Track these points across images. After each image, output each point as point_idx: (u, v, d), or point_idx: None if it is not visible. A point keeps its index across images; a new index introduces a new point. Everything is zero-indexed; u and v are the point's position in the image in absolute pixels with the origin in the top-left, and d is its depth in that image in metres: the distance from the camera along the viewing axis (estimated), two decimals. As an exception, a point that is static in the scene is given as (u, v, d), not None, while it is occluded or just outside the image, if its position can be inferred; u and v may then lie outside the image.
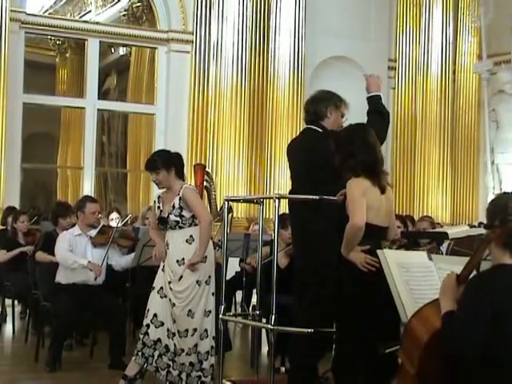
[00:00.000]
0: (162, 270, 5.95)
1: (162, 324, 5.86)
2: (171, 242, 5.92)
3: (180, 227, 5.87)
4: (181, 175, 6.04)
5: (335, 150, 4.70)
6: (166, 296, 5.86)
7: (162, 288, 5.89)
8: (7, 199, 11.44)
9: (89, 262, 6.94)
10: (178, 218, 5.85)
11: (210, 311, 5.91)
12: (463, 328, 3.15)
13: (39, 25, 12.56)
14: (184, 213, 5.84)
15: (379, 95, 5.63)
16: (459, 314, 3.21)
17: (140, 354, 5.83)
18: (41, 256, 7.64)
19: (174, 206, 5.87)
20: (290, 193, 5.54)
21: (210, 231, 5.95)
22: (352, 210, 4.41)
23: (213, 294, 5.96)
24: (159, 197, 6.09)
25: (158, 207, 6.02)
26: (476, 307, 3.16)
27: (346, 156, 4.59)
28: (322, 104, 5.45)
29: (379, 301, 4.26)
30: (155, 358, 5.82)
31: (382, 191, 4.58)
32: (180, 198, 5.86)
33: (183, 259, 5.82)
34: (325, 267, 4.88)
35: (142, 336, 5.87)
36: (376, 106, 5.57)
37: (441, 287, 3.45)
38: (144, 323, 5.90)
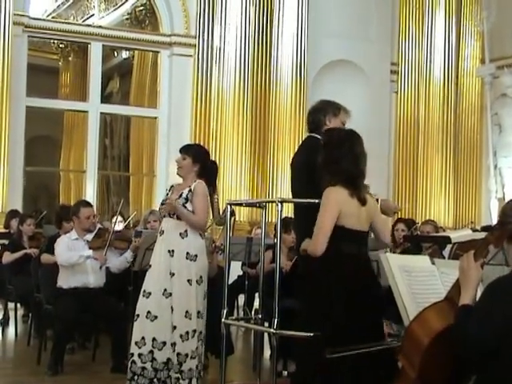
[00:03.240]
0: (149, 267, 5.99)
1: (164, 343, 5.86)
2: (166, 229, 5.96)
3: (178, 217, 5.89)
4: (206, 181, 6.07)
5: (322, 149, 4.70)
6: (171, 294, 5.84)
7: (165, 289, 5.88)
8: (10, 202, 11.45)
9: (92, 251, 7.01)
10: (181, 208, 5.89)
11: (199, 312, 5.87)
12: (477, 326, 3.13)
13: (42, 28, 12.59)
14: (187, 205, 5.89)
15: None
16: (475, 312, 3.19)
17: (146, 380, 5.84)
18: (46, 258, 7.66)
19: (181, 195, 5.93)
20: (293, 197, 5.59)
21: (198, 228, 5.96)
22: (317, 233, 4.46)
23: (205, 296, 5.97)
24: (172, 186, 6.17)
25: (167, 194, 6.09)
26: (492, 308, 3.14)
27: (331, 160, 4.59)
28: (320, 113, 5.56)
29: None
30: (172, 378, 5.82)
31: (363, 203, 4.55)
32: (190, 190, 5.92)
33: (173, 251, 5.85)
34: None
35: (150, 363, 5.84)
36: None
37: (460, 270, 3.40)
38: (144, 351, 5.87)
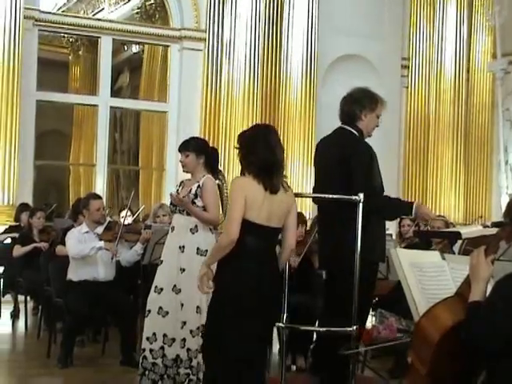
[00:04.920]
0: (160, 263, 5.98)
1: (174, 340, 5.86)
2: (176, 226, 5.94)
3: (188, 213, 5.88)
4: (211, 169, 6.07)
5: (239, 147, 4.66)
6: (180, 290, 5.84)
7: (175, 285, 5.88)
8: (20, 196, 11.48)
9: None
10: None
11: (198, 306, 5.84)
12: (486, 324, 3.12)
13: (53, 22, 12.60)
14: (197, 201, 5.86)
15: (406, 214, 5.53)
16: (485, 309, 3.18)
17: (156, 376, 5.85)
18: (61, 249, 7.68)
19: (190, 191, 5.91)
20: (314, 190, 5.48)
21: (212, 224, 5.96)
22: (229, 220, 4.38)
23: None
24: (182, 182, 6.15)
25: (177, 190, 6.07)
26: (501, 305, 3.13)
27: (247, 152, 4.58)
28: (356, 106, 5.30)
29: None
30: (180, 374, 5.82)
31: (272, 192, 4.46)
32: (199, 186, 5.89)
33: (184, 247, 5.84)
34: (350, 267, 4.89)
35: (160, 359, 5.85)
36: (395, 210, 5.47)
37: (470, 266, 3.39)
38: (155, 347, 5.88)
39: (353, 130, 5.26)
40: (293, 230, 4.64)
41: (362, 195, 4.87)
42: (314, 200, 5.75)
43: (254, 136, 4.63)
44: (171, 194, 6.02)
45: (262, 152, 4.48)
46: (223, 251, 4.37)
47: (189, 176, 6.16)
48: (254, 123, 12.46)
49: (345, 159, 5.10)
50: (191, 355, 5.77)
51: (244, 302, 4.37)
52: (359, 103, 5.30)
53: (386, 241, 5.50)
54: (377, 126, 5.37)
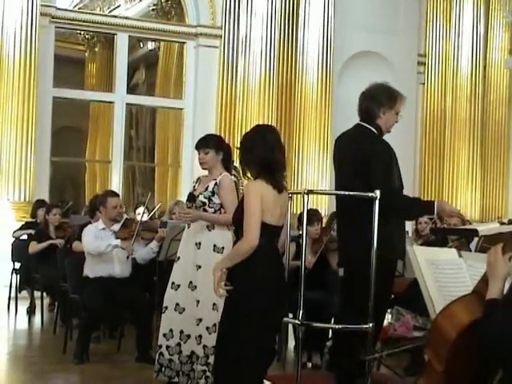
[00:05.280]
0: (177, 260, 5.97)
1: (189, 336, 5.86)
2: (193, 222, 5.94)
3: (205, 210, 5.85)
4: (226, 165, 6.06)
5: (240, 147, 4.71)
6: (196, 287, 5.83)
7: (191, 282, 5.87)
8: (37, 192, 11.53)
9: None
10: (205, 200, 5.84)
11: (215, 304, 5.83)
12: (504, 321, 3.10)
13: (69, 19, 12.65)
14: (214, 198, 5.84)
15: (428, 214, 5.47)
16: (503, 306, 3.16)
17: (172, 372, 5.86)
18: (78, 246, 7.70)
19: (207, 188, 5.88)
20: (336, 187, 5.43)
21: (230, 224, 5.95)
22: (249, 227, 4.35)
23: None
24: (199, 178, 6.13)
25: (194, 186, 6.06)
26: None
27: (245, 151, 4.60)
28: (374, 103, 5.20)
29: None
30: (196, 371, 5.82)
31: (280, 191, 4.50)
32: (216, 183, 5.87)
33: (200, 243, 5.83)
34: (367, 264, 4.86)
35: (177, 356, 5.85)
36: (417, 209, 5.44)
37: (487, 264, 3.37)
38: (172, 344, 5.88)
39: (371, 128, 5.21)
40: (285, 227, 4.79)
41: (378, 192, 4.85)
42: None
43: (253, 136, 4.66)
44: (177, 213, 6.01)
45: (260, 151, 4.49)
46: (243, 257, 4.36)
47: (205, 172, 6.13)
48: (264, 121, 12.51)
49: (364, 159, 5.05)
50: (208, 352, 5.76)
51: (262, 301, 4.38)
52: (377, 100, 5.21)
53: (405, 238, 5.47)
54: (396, 122, 5.33)
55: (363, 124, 5.27)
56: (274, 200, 4.45)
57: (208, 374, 5.74)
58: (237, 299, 4.40)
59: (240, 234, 4.52)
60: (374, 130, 5.21)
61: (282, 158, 4.61)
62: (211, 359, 5.72)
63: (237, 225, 4.65)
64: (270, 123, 12.55)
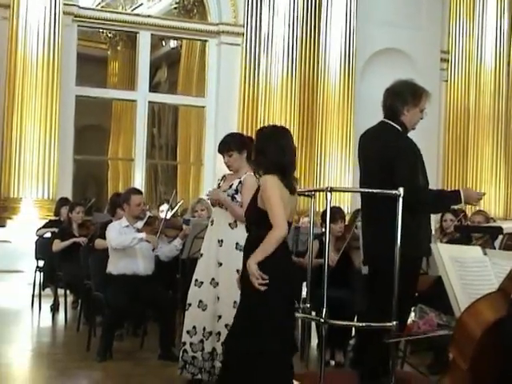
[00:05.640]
0: (200, 257, 5.98)
1: (210, 333, 5.86)
2: (216, 219, 5.93)
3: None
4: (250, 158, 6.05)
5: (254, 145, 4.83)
6: (218, 284, 5.83)
7: (213, 279, 5.88)
8: (60, 190, 11.60)
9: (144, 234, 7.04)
10: (229, 198, 5.86)
11: (235, 301, 5.84)
12: None
13: (91, 18, 12.71)
14: (237, 196, 5.84)
15: (455, 203, 5.44)
16: None
17: (196, 369, 5.86)
18: (100, 243, 7.72)
19: (231, 186, 5.89)
20: (361, 185, 5.41)
21: (241, 220, 5.93)
22: (277, 216, 4.45)
23: None
24: (224, 176, 6.13)
25: (219, 184, 6.06)
26: None
27: (257, 153, 4.72)
28: (398, 101, 5.15)
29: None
30: (215, 368, 5.82)
31: (292, 192, 4.63)
32: (240, 182, 5.87)
33: (222, 241, 5.83)
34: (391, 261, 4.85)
35: (200, 353, 5.85)
36: (444, 201, 5.41)
37: None
38: (195, 341, 5.89)
39: (396, 125, 5.18)
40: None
41: (402, 189, 4.82)
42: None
43: (265, 137, 4.74)
44: (210, 191, 6.03)
45: (272, 153, 4.59)
46: (275, 246, 4.44)
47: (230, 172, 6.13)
48: (286, 119, 12.51)
49: (388, 156, 5.02)
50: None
51: (288, 291, 4.56)
52: (401, 98, 5.16)
53: (431, 235, 5.44)
54: (421, 119, 5.29)
55: (387, 121, 5.23)
56: (287, 197, 4.56)
57: None
58: (261, 292, 4.44)
59: (251, 230, 4.69)
60: (398, 127, 5.17)
61: (294, 160, 4.72)
62: None
63: (249, 221, 4.77)
64: (292, 121, 12.59)
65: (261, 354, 4.43)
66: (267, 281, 4.41)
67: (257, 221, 4.64)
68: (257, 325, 4.47)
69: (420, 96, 5.21)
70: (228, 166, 6.03)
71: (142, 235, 6.99)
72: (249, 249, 4.62)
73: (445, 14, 14.64)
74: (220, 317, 5.79)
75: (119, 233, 7.09)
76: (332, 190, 5.09)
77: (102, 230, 7.88)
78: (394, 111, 5.18)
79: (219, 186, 6.04)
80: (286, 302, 4.52)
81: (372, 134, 5.34)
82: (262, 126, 12.09)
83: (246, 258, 4.63)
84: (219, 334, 5.79)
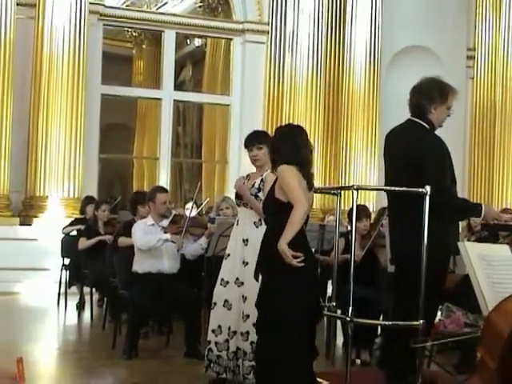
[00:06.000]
0: (227, 257, 5.97)
1: (235, 333, 5.86)
2: (241, 219, 5.93)
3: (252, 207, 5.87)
4: None
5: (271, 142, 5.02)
6: (243, 283, 5.83)
7: (237, 278, 5.87)
8: (85, 189, 11.65)
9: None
10: (252, 197, 5.86)
11: None
12: None
13: (117, 17, 12.76)
14: (260, 194, 5.82)
15: (475, 216, 5.42)
16: None
17: (220, 368, 5.87)
18: (123, 241, 7.74)
19: (253, 185, 5.87)
20: (386, 183, 5.37)
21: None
22: (297, 195, 4.59)
23: None
24: (248, 175, 6.12)
25: (244, 182, 6.06)
26: None
27: (273, 151, 4.91)
28: (425, 99, 5.11)
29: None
30: (243, 367, 5.81)
31: (310, 188, 4.80)
32: (262, 180, 5.85)
33: (247, 240, 5.82)
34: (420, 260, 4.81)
35: (225, 352, 5.86)
36: (466, 211, 5.40)
37: None
38: (220, 340, 5.90)
39: (423, 123, 5.14)
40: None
41: (428, 188, 4.79)
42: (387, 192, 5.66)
43: (280, 136, 4.89)
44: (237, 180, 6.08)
45: (287, 152, 4.73)
46: (300, 223, 4.59)
47: (254, 169, 6.11)
48: (311, 117, 12.49)
49: (416, 154, 4.99)
50: (255, 348, 5.76)
51: (314, 278, 4.87)
52: (428, 96, 5.11)
53: (459, 234, 5.41)
54: (448, 117, 5.25)
55: (415, 119, 5.20)
56: (304, 187, 4.69)
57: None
58: (283, 285, 4.62)
59: (269, 221, 4.89)
60: (425, 125, 5.14)
61: (309, 157, 4.87)
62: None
63: (266, 212, 4.94)
64: (317, 119, 12.57)
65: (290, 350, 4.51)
66: (302, 257, 4.53)
67: (274, 212, 4.77)
68: (286, 319, 4.56)
69: (447, 94, 5.17)
70: (254, 161, 5.98)
71: (167, 236, 7.00)
72: (269, 237, 4.74)
73: (471, 11, 14.54)
74: (248, 316, 5.78)
75: (144, 232, 7.11)
76: (359, 188, 5.07)
77: (125, 228, 7.91)
78: (421, 109, 5.14)
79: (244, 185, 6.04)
80: (312, 288, 4.73)
81: (399, 133, 5.31)
82: (287, 123, 12.16)
83: (263, 250, 4.78)
84: (247, 333, 5.78)
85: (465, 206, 5.33)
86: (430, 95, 5.12)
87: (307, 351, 4.68)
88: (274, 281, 4.71)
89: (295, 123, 5.20)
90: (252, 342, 5.75)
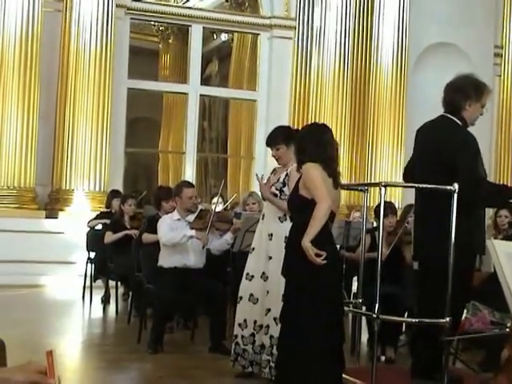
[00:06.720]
0: (252, 251, 5.99)
1: (261, 326, 5.87)
2: (266, 213, 5.96)
3: None
4: None
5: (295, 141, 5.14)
6: (268, 278, 5.84)
7: (263, 273, 5.88)
8: (111, 182, 11.68)
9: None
10: (277, 192, 5.86)
11: None
12: None
13: (144, 11, 12.76)
14: (285, 189, 5.83)
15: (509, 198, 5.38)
16: None
17: (248, 362, 5.89)
18: (147, 237, 7.76)
19: (278, 180, 5.89)
20: (415, 179, 5.32)
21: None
22: (320, 192, 4.65)
23: None
24: (274, 169, 6.14)
25: (269, 177, 6.07)
26: None
27: (298, 149, 5.00)
28: (459, 96, 5.10)
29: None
30: (263, 360, 5.83)
31: (336, 186, 4.88)
32: (286, 174, 5.86)
33: (271, 235, 5.82)
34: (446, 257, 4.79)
35: (251, 346, 5.87)
36: (501, 194, 5.34)
37: None
38: (246, 334, 5.91)
39: (457, 120, 5.11)
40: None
41: (456, 185, 4.76)
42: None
43: (305, 136, 4.99)
44: (256, 175, 6.11)
45: (312, 152, 4.81)
46: (324, 219, 4.63)
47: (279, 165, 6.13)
48: (338, 114, 12.45)
49: (449, 150, 4.96)
50: (273, 342, 5.75)
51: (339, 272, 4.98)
52: (464, 93, 5.10)
53: (485, 232, 5.38)
54: (481, 115, 5.22)
55: (448, 116, 5.17)
56: (329, 186, 4.76)
57: (271, 364, 5.74)
58: (307, 283, 4.69)
59: (294, 218, 4.97)
60: (458, 121, 5.10)
61: (334, 155, 4.93)
62: (275, 349, 5.73)
63: (291, 209, 5.04)
64: (343, 115, 12.53)
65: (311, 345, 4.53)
66: (325, 254, 4.57)
67: (299, 208, 4.83)
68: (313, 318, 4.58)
69: (482, 91, 5.16)
70: (276, 160, 6.04)
71: (192, 233, 6.98)
72: (294, 235, 4.79)
73: (499, 8, 14.43)
74: (269, 310, 5.80)
75: (170, 228, 7.11)
76: (387, 185, 5.06)
77: (149, 223, 7.92)
78: (456, 106, 5.12)
79: (268, 180, 6.05)
80: (336, 281, 4.86)
81: (431, 128, 5.28)
82: (313, 120, 12.16)
83: (289, 247, 4.82)
84: (268, 326, 5.80)
85: (499, 190, 5.33)
86: (466, 92, 5.11)
87: (330, 354, 4.76)
88: (298, 278, 4.73)
89: (320, 122, 5.24)
90: (271, 336, 5.76)
